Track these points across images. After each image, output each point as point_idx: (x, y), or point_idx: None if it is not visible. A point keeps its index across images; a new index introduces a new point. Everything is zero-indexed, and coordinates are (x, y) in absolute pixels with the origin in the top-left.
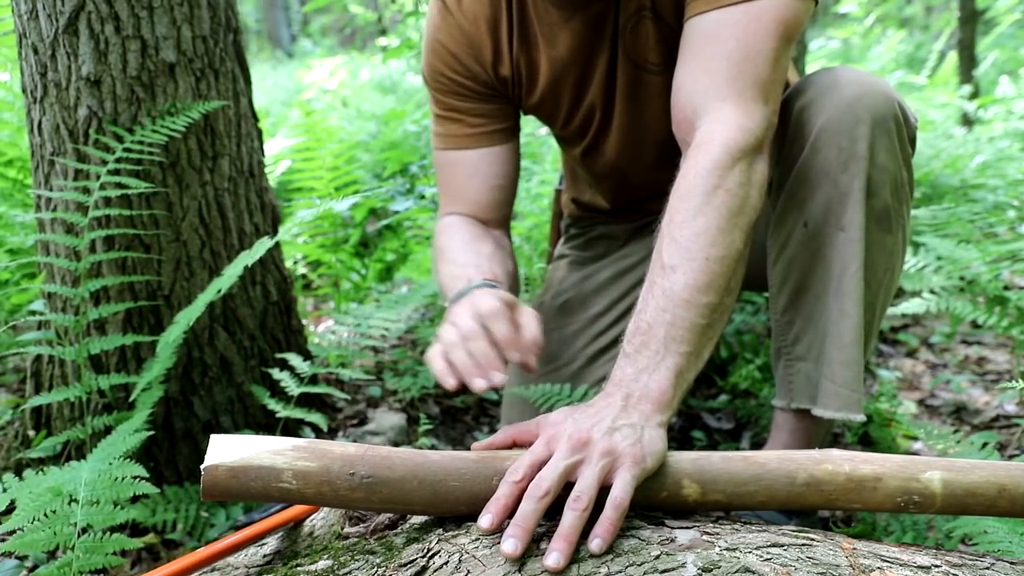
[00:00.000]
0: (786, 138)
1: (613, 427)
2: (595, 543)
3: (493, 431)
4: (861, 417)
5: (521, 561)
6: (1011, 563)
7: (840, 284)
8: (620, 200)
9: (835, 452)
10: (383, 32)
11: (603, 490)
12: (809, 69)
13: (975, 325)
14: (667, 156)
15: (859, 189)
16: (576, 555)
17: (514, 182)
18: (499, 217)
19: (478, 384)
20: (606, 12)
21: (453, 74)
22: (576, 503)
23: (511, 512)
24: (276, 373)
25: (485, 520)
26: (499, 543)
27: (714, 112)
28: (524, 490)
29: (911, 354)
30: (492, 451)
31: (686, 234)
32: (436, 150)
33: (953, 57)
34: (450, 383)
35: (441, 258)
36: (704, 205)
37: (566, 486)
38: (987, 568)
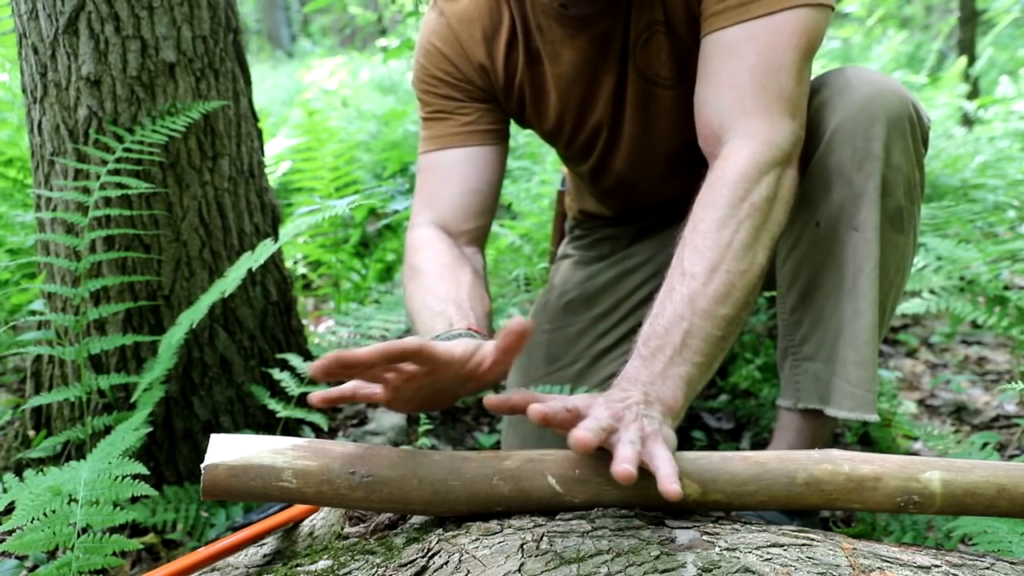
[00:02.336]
0: None
1: (641, 412)
2: (663, 468)
3: (493, 431)
4: (875, 417)
5: (521, 561)
6: (1011, 563)
7: (855, 284)
8: (625, 209)
9: (835, 452)
10: (383, 32)
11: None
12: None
13: (975, 325)
14: (676, 168)
15: (874, 189)
16: (577, 554)
17: (495, 192)
18: (472, 229)
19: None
20: (613, 28)
21: (443, 75)
22: (632, 444)
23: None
24: (276, 373)
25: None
26: (500, 543)
27: (741, 127)
28: (567, 417)
29: (911, 354)
30: (492, 451)
31: (709, 244)
32: (421, 155)
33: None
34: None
35: (415, 279)
36: (729, 217)
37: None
38: (987, 568)
